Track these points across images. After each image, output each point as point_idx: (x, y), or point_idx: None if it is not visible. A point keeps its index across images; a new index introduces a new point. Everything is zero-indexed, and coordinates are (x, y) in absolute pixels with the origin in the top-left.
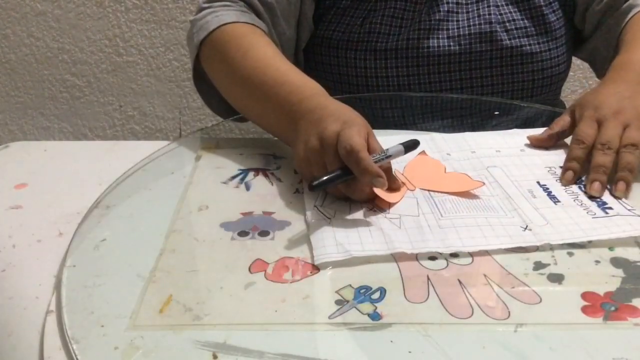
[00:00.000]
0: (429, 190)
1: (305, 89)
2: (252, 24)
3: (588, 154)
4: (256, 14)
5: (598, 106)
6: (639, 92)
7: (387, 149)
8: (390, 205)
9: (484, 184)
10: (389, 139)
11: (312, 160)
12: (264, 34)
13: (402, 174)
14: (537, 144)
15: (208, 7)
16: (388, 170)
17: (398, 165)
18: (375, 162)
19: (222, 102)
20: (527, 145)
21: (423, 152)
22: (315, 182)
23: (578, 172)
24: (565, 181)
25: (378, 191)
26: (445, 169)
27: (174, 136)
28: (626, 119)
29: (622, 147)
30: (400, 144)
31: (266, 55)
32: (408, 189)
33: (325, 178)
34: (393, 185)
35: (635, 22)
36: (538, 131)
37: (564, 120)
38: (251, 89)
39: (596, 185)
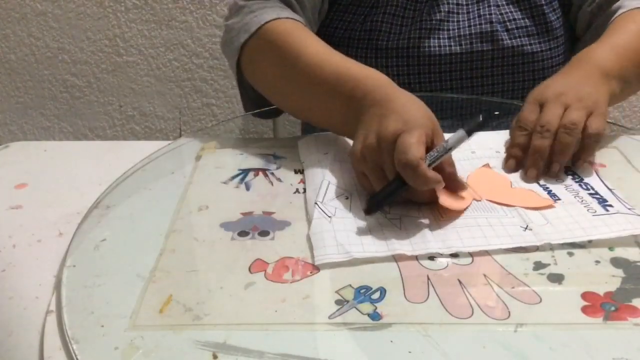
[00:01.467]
0: (496, 203)
1: (369, 80)
2: (294, 19)
3: (530, 139)
4: (288, 5)
5: (542, 92)
6: (585, 82)
7: (447, 140)
8: (456, 213)
9: (554, 204)
10: None
11: (367, 158)
12: (307, 28)
13: (466, 184)
14: (515, 171)
15: (244, 7)
16: (450, 171)
17: (460, 174)
18: (434, 160)
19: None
20: None
21: (487, 165)
22: (369, 206)
23: (520, 159)
24: (507, 169)
25: (442, 199)
26: (511, 183)
27: (174, 136)
28: (567, 100)
29: (561, 127)
30: (462, 128)
31: (320, 51)
32: (474, 198)
33: (379, 199)
34: (457, 188)
35: (614, 23)
36: None
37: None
38: (311, 88)
39: (531, 171)
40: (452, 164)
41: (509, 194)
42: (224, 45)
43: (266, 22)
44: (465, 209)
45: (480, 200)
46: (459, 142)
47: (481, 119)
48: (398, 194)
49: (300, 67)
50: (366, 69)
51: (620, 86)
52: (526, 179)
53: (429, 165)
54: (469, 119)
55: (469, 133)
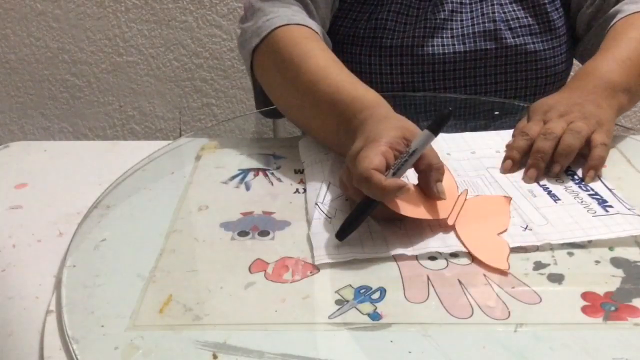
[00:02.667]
0: (459, 238)
1: (357, 103)
2: (305, 26)
3: (530, 146)
4: (304, 6)
5: (547, 110)
6: (590, 100)
7: (411, 144)
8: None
9: (508, 271)
10: None
11: (347, 184)
12: (317, 37)
13: (465, 200)
14: (511, 172)
15: (259, 9)
16: (434, 177)
17: (470, 190)
18: (399, 167)
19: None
20: None
21: (509, 198)
22: (338, 232)
23: (517, 162)
24: (503, 170)
25: (401, 206)
26: (504, 232)
27: (174, 136)
28: (571, 118)
29: (567, 131)
30: (427, 127)
31: (321, 66)
32: (447, 220)
33: (347, 224)
34: (433, 196)
35: (614, 29)
36: None
37: (524, 122)
38: (308, 104)
39: (531, 171)
40: (437, 169)
41: (481, 237)
42: (239, 47)
43: (276, 28)
44: (425, 219)
45: (449, 224)
46: (424, 143)
47: (445, 113)
48: (367, 213)
49: (299, 81)
50: (359, 89)
51: (628, 98)
52: (526, 179)
53: (394, 174)
54: (436, 116)
55: (435, 132)
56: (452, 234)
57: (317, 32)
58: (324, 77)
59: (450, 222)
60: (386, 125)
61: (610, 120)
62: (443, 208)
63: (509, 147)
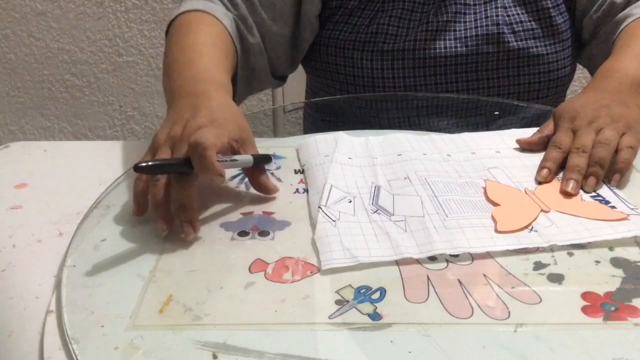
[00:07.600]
0: (565, 213)
1: (206, 80)
2: (203, 11)
3: (564, 159)
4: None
5: (574, 116)
6: (616, 100)
7: (238, 156)
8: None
9: (628, 217)
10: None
11: (170, 144)
12: (211, 22)
13: (534, 194)
14: (527, 146)
15: (181, 4)
16: (260, 172)
17: (529, 184)
18: (223, 161)
19: None
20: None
21: (556, 179)
22: (142, 165)
23: (553, 172)
24: (541, 177)
25: (501, 224)
26: (581, 197)
27: None
28: (599, 125)
29: (596, 143)
30: (254, 155)
31: (194, 43)
32: (542, 210)
33: (154, 163)
34: (266, 189)
35: (627, 31)
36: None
37: (551, 125)
38: (168, 73)
39: (572, 183)
40: (264, 172)
41: (579, 206)
42: None
43: (177, 16)
44: (523, 228)
45: (548, 212)
46: (244, 162)
47: (268, 157)
48: (173, 169)
49: (170, 55)
50: (214, 69)
51: None
52: (565, 189)
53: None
54: (262, 156)
55: (256, 161)
56: (458, 234)
57: (218, 20)
58: (183, 59)
59: (550, 208)
60: (233, 119)
61: (638, 121)
62: (520, 216)
63: (544, 158)
